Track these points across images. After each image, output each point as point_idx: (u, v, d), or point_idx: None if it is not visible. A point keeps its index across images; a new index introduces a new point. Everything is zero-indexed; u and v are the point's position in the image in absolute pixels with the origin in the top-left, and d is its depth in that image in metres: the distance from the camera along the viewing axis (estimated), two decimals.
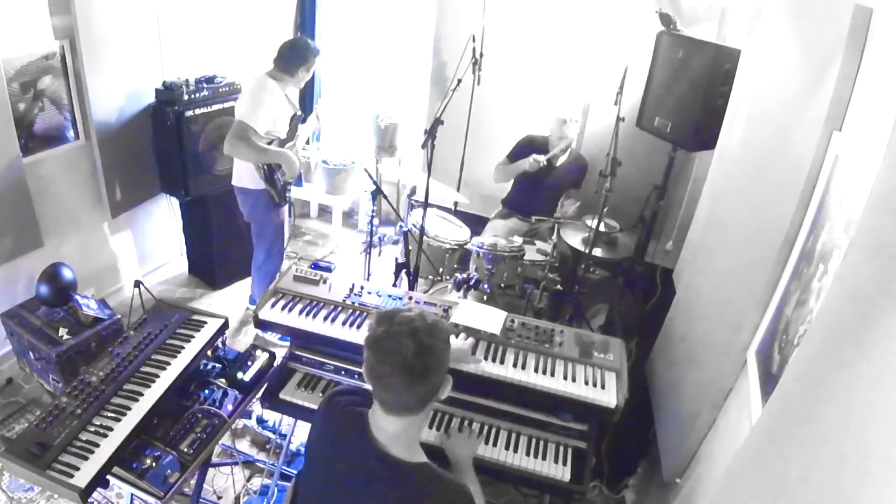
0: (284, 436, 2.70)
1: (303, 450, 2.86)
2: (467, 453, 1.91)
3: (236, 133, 2.94)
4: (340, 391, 1.58)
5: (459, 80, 3.17)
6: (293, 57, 3.06)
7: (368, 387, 1.46)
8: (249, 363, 2.25)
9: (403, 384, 1.35)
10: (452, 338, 2.15)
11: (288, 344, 2.48)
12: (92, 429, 1.80)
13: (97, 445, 1.76)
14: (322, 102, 4.31)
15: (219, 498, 2.63)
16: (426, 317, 1.40)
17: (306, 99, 4.62)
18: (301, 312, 2.32)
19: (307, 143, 4.47)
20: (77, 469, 1.68)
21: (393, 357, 1.34)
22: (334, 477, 1.47)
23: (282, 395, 2.23)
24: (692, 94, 3.05)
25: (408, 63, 4.48)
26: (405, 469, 1.39)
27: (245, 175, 3.22)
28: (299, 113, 3.32)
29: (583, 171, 3.73)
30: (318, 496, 1.54)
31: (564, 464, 2.08)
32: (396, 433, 1.41)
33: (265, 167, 3.15)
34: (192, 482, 2.07)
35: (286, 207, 3.48)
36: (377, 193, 3.42)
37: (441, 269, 3.53)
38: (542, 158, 3.56)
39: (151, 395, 1.94)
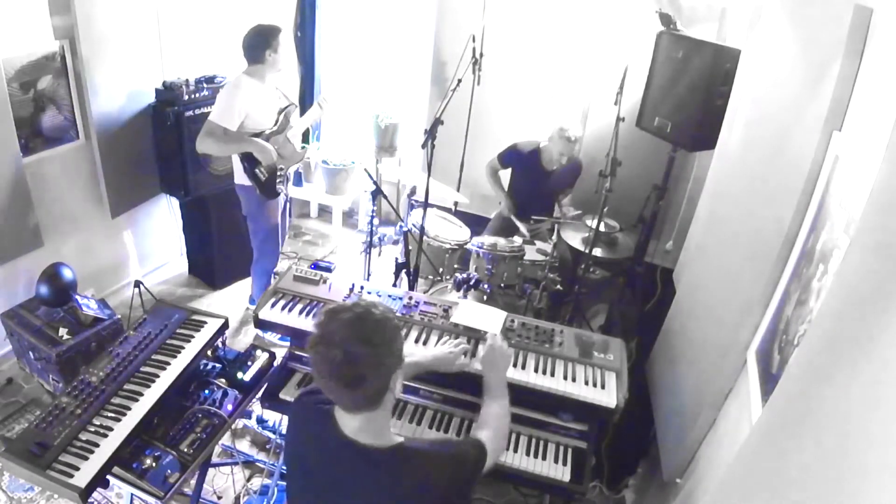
0: (284, 436, 2.70)
1: None
2: (502, 365, 1.94)
3: (203, 130, 3.05)
4: (308, 391, 1.56)
5: (459, 80, 3.17)
6: (254, 45, 3.10)
7: None
8: (249, 363, 2.26)
9: (338, 389, 1.34)
10: (439, 345, 2.14)
11: (288, 344, 2.48)
12: (92, 429, 1.81)
13: (97, 445, 1.76)
14: (325, 93, 4.30)
15: (219, 498, 2.63)
16: (366, 318, 1.33)
17: (307, 95, 4.63)
18: (301, 312, 2.32)
19: (307, 140, 4.47)
20: (77, 469, 1.68)
21: (324, 364, 1.31)
22: (317, 477, 1.47)
23: (282, 395, 2.23)
24: (692, 94, 3.05)
25: (408, 63, 4.48)
26: (380, 455, 1.39)
27: (239, 172, 3.28)
28: (293, 104, 3.36)
29: (578, 171, 3.74)
30: (306, 499, 1.53)
31: (564, 464, 2.08)
32: (360, 427, 1.40)
33: (245, 163, 3.20)
34: (192, 482, 2.07)
35: (281, 205, 3.49)
36: (377, 193, 3.42)
37: (441, 269, 3.53)
38: (514, 220, 3.62)
39: (151, 395, 1.95)
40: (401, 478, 1.39)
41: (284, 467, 1.65)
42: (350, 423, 1.41)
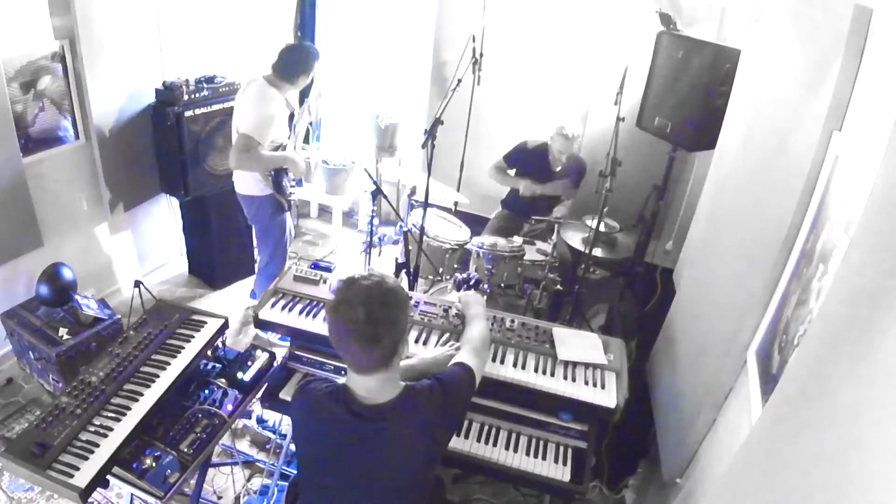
0: (284, 436, 2.70)
1: None
2: (473, 301, 2.18)
3: (242, 147, 2.90)
4: (311, 381, 1.65)
5: (459, 80, 3.17)
6: (295, 64, 3.01)
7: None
8: (249, 363, 2.26)
9: (358, 347, 1.46)
10: (439, 346, 2.15)
11: (288, 344, 2.48)
12: (92, 429, 1.81)
13: (97, 445, 1.76)
14: (312, 96, 4.28)
15: (219, 498, 2.63)
16: (382, 284, 1.49)
17: (306, 95, 4.61)
18: (301, 312, 2.32)
19: (307, 140, 4.46)
20: (77, 469, 1.69)
21: (347, 323, 1.45)
22: (336, 456, 1.54)
23: (282, 395, 2.23)
24: (692, 94, 3.05)
25: (408, 63, 4.48)
26: (393, 405, 1.53)
27: (249, 183, 3.19)
28: (295, 111, 3.34)
29: (581, 171, 3.74)
30: (335, 483, 1.58)
31: (564, 464, 2.08)
32: (376, 387, 1.53)
33: (272, 175, 3.13)
34: (192, 482, 2.07)
35: (293, 211, 3.48)
36: (377, 193, 3.42)
37: (441, 269, 3.53)
38: (537, 188, 3.58)
39: (151, 395, 1.95)
40: (410, 417, 1.54)
41: (297, 461, 1.74)
42: (366, 385, 1.53)
